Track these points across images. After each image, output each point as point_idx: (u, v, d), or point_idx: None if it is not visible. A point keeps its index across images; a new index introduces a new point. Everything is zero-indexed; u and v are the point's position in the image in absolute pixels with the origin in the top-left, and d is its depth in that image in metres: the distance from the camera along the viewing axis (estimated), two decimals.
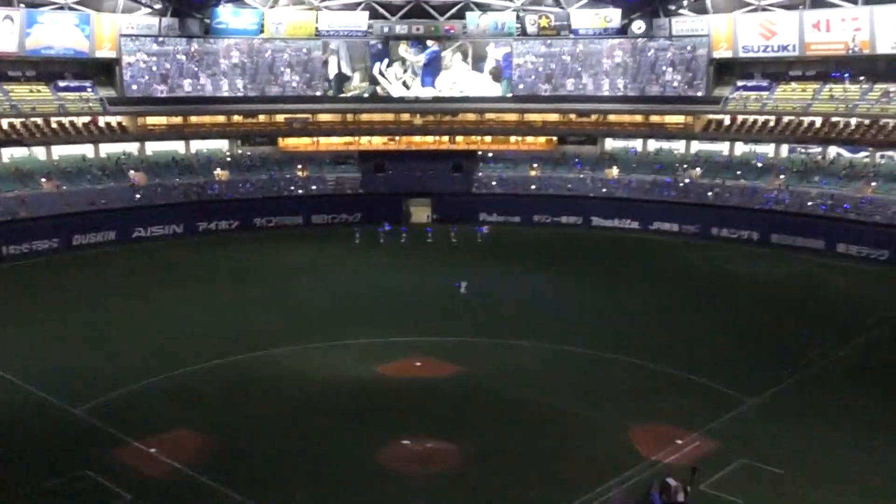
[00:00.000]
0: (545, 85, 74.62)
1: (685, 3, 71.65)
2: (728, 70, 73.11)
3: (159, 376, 32.86)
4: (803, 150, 67.43)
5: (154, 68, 69.60)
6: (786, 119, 67.60)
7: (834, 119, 65.18)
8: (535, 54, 74.32)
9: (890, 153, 62.62)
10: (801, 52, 67.24)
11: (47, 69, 67.43)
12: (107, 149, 67.99)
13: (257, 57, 72.52)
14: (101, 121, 67.94)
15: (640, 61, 72.96)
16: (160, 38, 69.40)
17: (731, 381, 32.39)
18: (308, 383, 32.57)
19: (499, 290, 47.25)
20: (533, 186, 71.00)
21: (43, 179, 61.81)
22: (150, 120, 71.11)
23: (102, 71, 69.92)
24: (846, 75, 67.06)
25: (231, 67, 72.16)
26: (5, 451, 26.52)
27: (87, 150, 66.99)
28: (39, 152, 64.72)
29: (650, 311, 43.31)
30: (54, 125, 65.35)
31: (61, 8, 65.73)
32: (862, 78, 66.21)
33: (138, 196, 63.83)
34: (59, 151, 65.54)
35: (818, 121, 66.04)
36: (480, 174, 73.19)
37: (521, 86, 75.02)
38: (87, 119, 67.06)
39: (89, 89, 68.31)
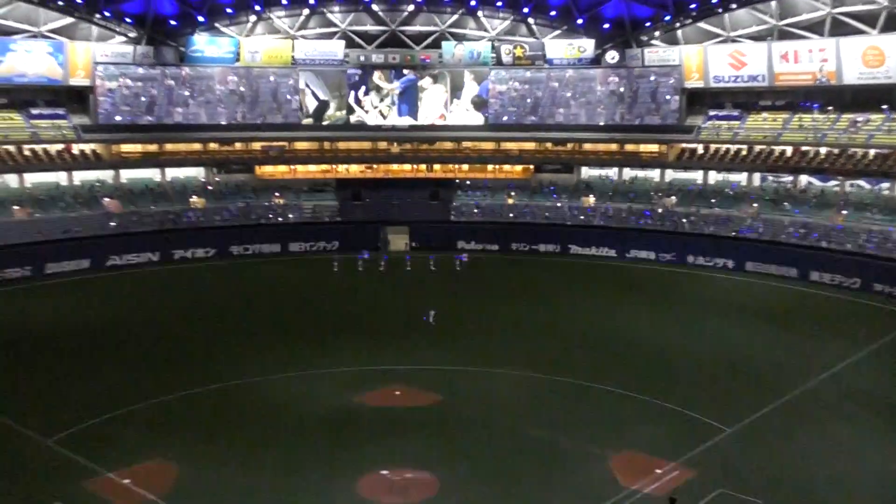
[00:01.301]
0: (524, 114, 75.34)
1: (657, 34, 73.14)
2: (699, 99, 74.36)
3: (135, 405, 32.39)
4: (775, 179, 68.49)
5: (134, 96, 69.70)
6: (757, 148, 68.66)
7: (804, 148, 66.32)
8: (519, 80, 75.10)
9: (859, 182, 63.78)
10: (770, 82, 68.67)
11: (20, 97, 67.14)
12: (80, 176, 67.44)
13: (235, 85, 72.62)
14: (75, 148, 67.54)
15: (614, 91, 73.96)
16: (140, 66, 69.55)
17: (710, 409, 32.48)
18: (286, 412, 32.21)
19: (478, 317, 47.21)
20: (511, 214, 71.30)
21: (15, 207, 61.12)
22: (125, 147, 70.80)
23: (76, 98, 69.70)
24: (815, 105, 68.46)
25: (217, 95, 72.38)
26: None
27: (60, 177, 66.47)
28: (11, 180, 64.13)
29: (628, 339, 43.29)
30: (27, 152, 64.82)
31: (35, 36, 65.65)
32: (830, 108, 67.59)
33: (113, 224, 63.19)
34: (32, 179, 65.00)
35: (789, 150, 67.20)
36: (458, 202, 73.42)
37: (504, 117, 75.69)
38: (60, 146, 66.62)
39: (63, 117, 67.92)
